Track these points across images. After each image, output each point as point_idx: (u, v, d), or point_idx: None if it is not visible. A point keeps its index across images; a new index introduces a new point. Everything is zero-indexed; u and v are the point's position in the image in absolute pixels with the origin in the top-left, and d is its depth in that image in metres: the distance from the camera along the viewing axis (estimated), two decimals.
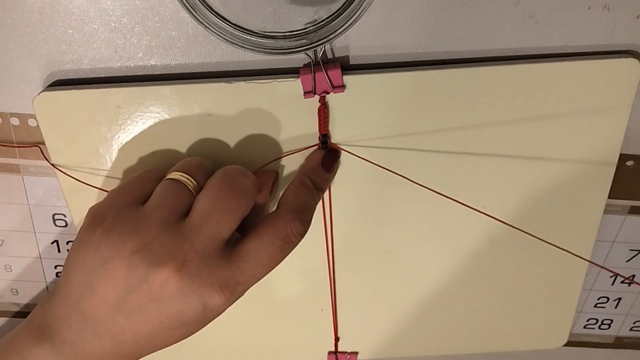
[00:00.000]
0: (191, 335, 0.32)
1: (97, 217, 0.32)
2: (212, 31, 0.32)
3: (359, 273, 0.44)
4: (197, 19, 0.32)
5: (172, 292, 0.30)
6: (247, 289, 0.33)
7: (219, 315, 0.32)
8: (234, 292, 0.31)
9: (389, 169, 0.40)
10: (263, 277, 0.33)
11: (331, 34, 0.32)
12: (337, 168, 0.39)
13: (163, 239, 0.30)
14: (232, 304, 0.32)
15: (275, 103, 0.37)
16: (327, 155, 0.37)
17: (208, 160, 0.36)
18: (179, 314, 0.31)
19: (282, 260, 0.33)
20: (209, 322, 0.32)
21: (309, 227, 0.34)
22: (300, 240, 0.34)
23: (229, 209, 0.31)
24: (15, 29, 0.36)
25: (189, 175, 0.33)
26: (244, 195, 0.32)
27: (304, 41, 0.33)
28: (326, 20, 0.32)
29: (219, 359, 0.48)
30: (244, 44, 0.33)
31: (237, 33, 0.32)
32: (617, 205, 0.43)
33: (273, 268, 0.33)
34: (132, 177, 0.35)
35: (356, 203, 0.41)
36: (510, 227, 0.42)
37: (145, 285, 0.30)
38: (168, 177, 0.33)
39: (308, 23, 0.33)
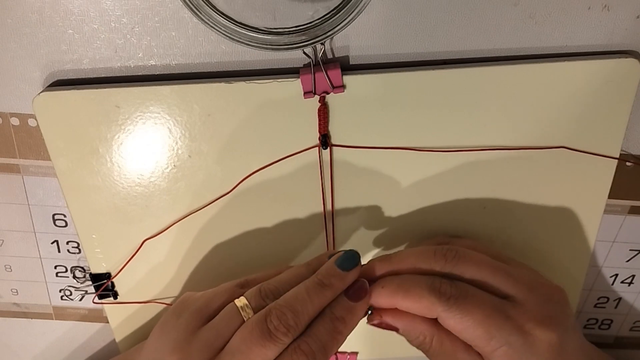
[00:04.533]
0: None
1: (166, 323, 0.36)
2: (217, 30, 0.32)
3: None
4: (202, 19, 0.32)
5: None
6: None
7: None
8: None
9: (389, 168, 0.40)
10: None
11: (333, 28, 0.32)
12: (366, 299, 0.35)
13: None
14: None
15: (275, 103, 0.37)
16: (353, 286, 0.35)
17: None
18: None
19: None
20: None
21: None
22: None
23: (251, 354, 0.32)
24: (15, 29, 0.36)
25: (252, 306, 0.34)
26: (270, 343, 0.32)
27: (304, 37, 0.33)
28: (329, 14, 0.32)
29: None
30: (249, 41, 0.33)
31: (242, 31, 0.32)
32: (617, 205, 0.43)
33: None
34: (215, 292, 0.36)
35: (357, 203, 0.41)
36: (510, 227, 0.42)
37: None
38: (236, 301, 0.34)
39: (310, 18, 0.33)
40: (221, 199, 0.40)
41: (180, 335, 0.34)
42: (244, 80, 0.36)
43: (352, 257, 0.35)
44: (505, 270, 0.35)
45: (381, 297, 0.34)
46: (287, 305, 0.33)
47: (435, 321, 0.35)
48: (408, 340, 0.36)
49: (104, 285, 0.43)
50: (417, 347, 0.36)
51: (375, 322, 0.36)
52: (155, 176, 0.40)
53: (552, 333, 0.33)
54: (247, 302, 0.34)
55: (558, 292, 0.36)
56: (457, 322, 0.33)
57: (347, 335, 0.34)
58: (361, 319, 0.35)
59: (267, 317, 0.32)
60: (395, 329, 0.36)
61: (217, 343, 0.33)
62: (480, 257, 0.35)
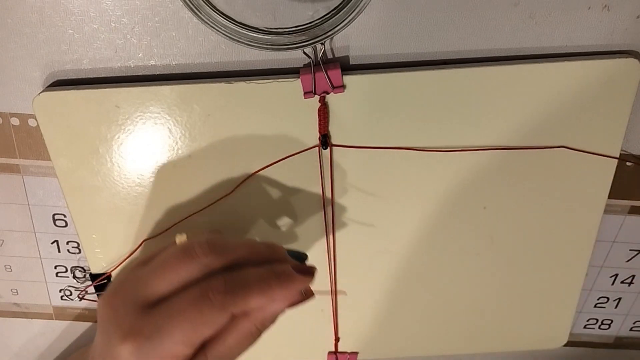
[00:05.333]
0: None
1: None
2: (217, 30, 0.32)
3: (359, 273, 0.44)
4: (202, 19, 0.32)
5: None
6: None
7: None
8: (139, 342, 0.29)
9: (389, 168, 0.40)
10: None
11: (333, 28, 0.32)
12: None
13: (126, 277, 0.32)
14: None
15: (275, 103, 0.37)
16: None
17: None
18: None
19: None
20: None
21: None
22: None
23: (166, 266, 0.30)
24: (15, 29, 0.36)
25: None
26: (187, 260, 0.30)
27: (304, 37, 0.33)
28: (329, 14, 0.32)
29: None
30: (249, 41, 0.33)
31: (242, 31, 0.33)
32: (617, 205, 0.43)
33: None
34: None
35: (356, 203, 0.41)
36: (510, 227, 0.42)
37: None
38: (177, 237, 0.34)
39: (310, 18, 0.33)
40: (222, 199, 0.40)
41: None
42: (244, 80, 0.36)
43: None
44: None
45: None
46: (219, 237, 0.31)
47: None
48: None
49: (89, 285, 0.43)
50: None
51: None
52: (155, 176, 0.40)
53: None
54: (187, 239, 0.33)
55: None
56: None
57: (270, 304, 0.31)
58: (291, 299, 0.32)
59: (195, 240, 0.31)
60: None
61: (146, 259, 0.33)
62: None
